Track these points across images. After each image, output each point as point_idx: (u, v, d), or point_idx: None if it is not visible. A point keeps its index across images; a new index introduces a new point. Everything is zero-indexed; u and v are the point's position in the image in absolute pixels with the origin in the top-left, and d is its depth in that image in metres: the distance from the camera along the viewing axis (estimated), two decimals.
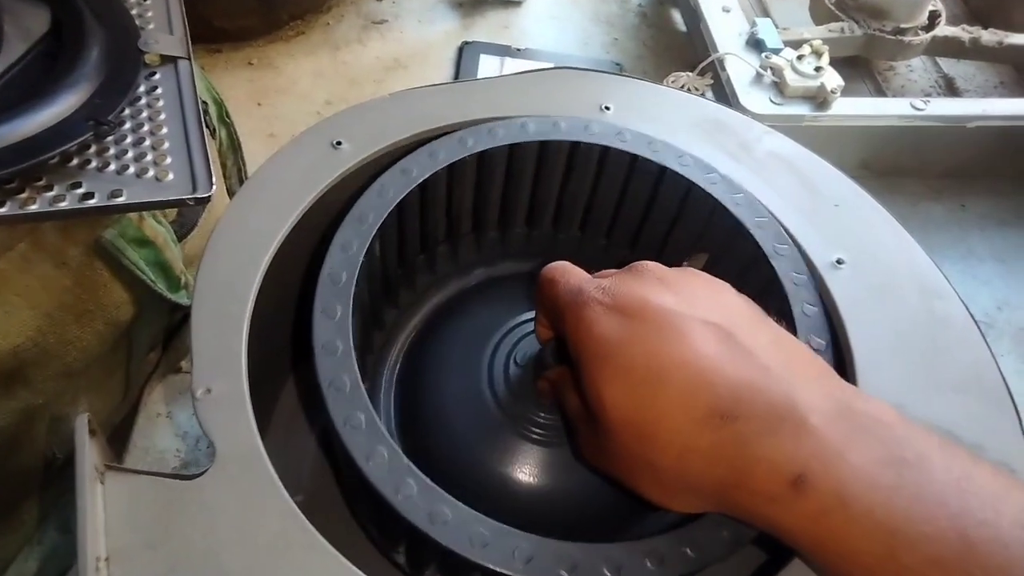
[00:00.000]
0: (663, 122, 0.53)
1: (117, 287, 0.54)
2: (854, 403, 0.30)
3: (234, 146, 0.73)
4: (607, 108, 0.54)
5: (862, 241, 0.49)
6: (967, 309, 0.47)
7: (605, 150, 0.50)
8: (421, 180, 0.47)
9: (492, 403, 0.45)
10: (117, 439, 0.67)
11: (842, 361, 0.44)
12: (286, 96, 0.93)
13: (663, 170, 0.49)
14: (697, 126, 0.54)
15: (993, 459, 0.29)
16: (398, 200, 0.45)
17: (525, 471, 0.44)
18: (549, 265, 0.38)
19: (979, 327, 0.46)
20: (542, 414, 0.44)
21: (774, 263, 0.45)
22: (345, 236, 0.43)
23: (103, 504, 0.35)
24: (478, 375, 0.46)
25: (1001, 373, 0.44)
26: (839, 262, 0.47)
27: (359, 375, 0.38)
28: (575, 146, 0.51)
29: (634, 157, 0.50)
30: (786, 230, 0.48)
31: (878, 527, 0.27)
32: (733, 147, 0.53)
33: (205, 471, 0.36)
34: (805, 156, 0.53)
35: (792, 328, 0.43)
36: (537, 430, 0.44)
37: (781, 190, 0.50)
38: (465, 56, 0.99)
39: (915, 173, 0.92)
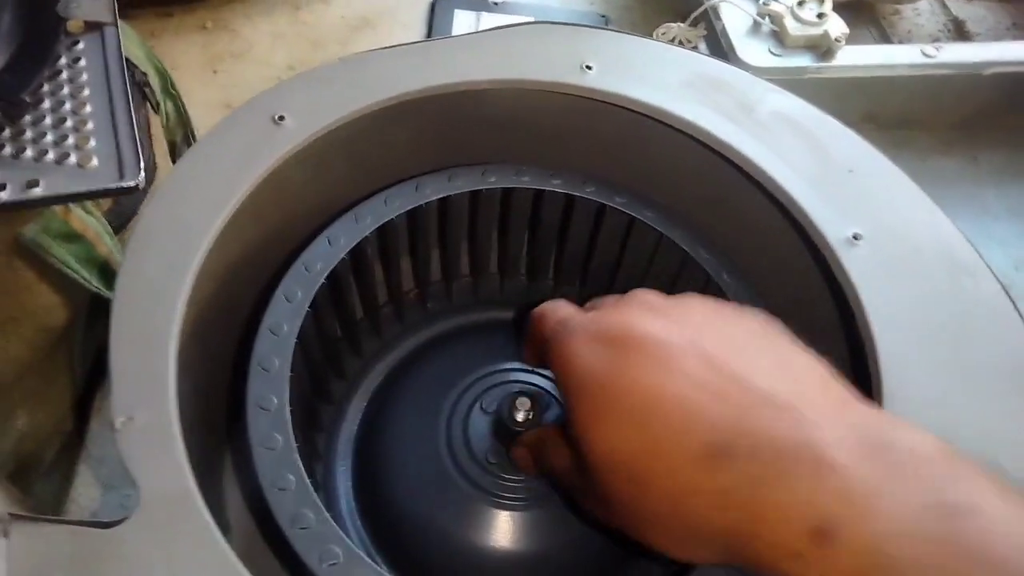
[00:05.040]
0: (652, 81, 0.47)
1: (45, 289, 0.48)
2: (886, 433, 0.25)
3: (182, 120, 0.66)
4: (589, 67, 0.47)
5: (880, 212, 0.43)
6: (1001, 285, 0.41)
7: (570, 198, 0.48)
8: (377, 226, 0.44)
9: (451, 466, 0.43)
10: (69, 448, 0.61)
11: (861, 350, 0.39)
12: (244, 62, 0.86)
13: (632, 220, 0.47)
14: (691, 85, 0.47)
15: None
16: (350, 248, 0.43)
17: (490, 536, 0.42)
18: (541, 304, 0.36)
19: (1015, 305, 0.41)
20: (505, 475, 0.43)
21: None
22: (288, 287, 0.41)
23: (5, 563, 0.30)
24: (436, 435, 0.44)
25: None
26: (855, 237, 0.42)
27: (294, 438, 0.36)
28: (539, 194, 0.48)
29: (601, 206, 0.47)
30: (795, 203, 0.43)
31: None
32: (732, 108, 0.46)
33: (127, 517, 0.31)
34: (814, 116, 0.47)
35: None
36: (509, 495, 0.43)
37: (788, 156, 0.44)
38: (438, 12, 0.91)
39: (924, 125, 0.85)
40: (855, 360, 0.40)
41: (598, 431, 0.28)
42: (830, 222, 0.42)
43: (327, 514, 0.33)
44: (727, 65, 0.49)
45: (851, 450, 0.25)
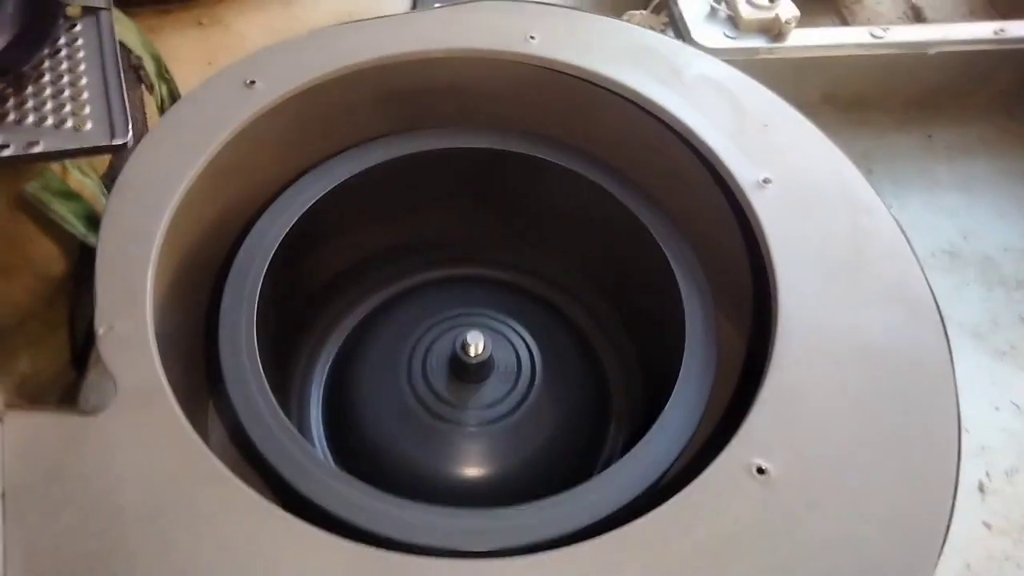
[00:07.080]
0: (591, 50, 0.52)
1: (45, 241, 0.53)
2: None
3: (175, 101, 0.72)
4: (532, 38, 0.52)
5: (790, 160, 0.48)
6: (896, 222, 0.46)
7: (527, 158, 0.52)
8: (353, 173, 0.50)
9: (411, 395, 0.49)
10: (66, 400, 0.66)
11: (764, 280, 0.44)
12: (237, 54, 0.91)
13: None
14: (626, 53, 0.52)
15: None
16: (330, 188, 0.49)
17: (446, 458, 0.48)
18: None
19: (908, 240, 0.45)
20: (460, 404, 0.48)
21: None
22: (263, 225, 0.47)
23: (1, 443, 0.35)
24: (398, 369, 0.50)
25: (928, 283, 0.43)
26: (765, 181, 0.46)
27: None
28: (496, 154, 0.52)
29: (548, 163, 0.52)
30: (712, 151, 0.47)
31: None
32: (663, 72, 0.51)
33: (106, 406, 0.36)
34: (736, 78, 0.52)
35: None
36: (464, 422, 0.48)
37: (709, 112, 0.49)
38: (420, 4, 0.97)
39: (880, 105, 0.90)
40: (757, 288, 0.44)
41: None
42: (742, 167, 0.47)
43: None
44: (659, 35, 0.54)
45: None
